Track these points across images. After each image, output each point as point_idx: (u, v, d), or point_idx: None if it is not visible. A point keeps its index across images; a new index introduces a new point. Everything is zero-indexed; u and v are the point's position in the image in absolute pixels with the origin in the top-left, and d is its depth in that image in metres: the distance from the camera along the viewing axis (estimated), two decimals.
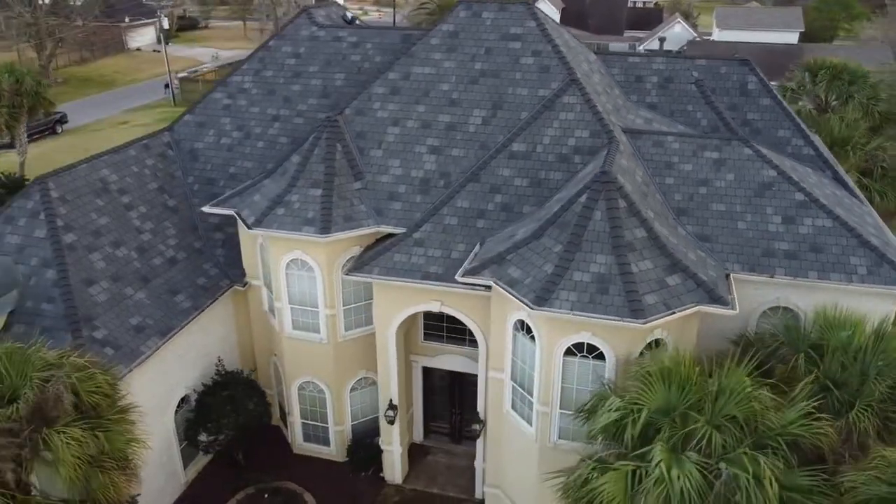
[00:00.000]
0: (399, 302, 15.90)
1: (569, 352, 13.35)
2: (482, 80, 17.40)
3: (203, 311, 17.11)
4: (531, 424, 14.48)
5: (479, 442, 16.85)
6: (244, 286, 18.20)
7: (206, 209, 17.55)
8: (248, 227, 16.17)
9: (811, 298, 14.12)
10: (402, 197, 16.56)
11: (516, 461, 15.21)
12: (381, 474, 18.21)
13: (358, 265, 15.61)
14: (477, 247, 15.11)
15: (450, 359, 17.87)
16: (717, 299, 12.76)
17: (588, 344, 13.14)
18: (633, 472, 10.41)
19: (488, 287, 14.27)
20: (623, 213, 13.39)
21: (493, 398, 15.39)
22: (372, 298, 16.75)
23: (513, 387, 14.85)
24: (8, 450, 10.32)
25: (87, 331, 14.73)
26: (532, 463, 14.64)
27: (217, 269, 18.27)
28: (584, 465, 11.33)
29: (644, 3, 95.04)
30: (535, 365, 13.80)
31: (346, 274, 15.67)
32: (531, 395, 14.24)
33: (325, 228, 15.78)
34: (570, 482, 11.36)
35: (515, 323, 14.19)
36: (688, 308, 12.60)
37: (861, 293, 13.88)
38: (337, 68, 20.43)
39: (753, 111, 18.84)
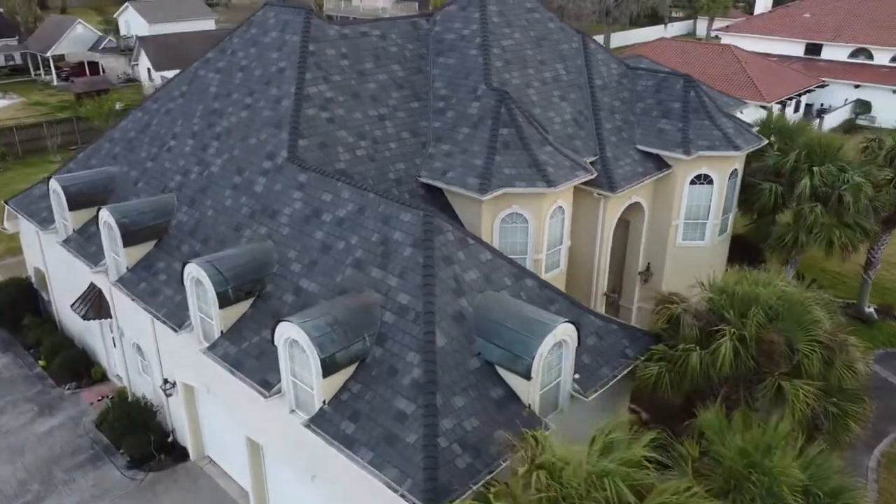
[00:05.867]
0: (620, 204, 21.41)
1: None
2: (543, 43, 22.75)
3: None
4: (703, 239, 23.26)
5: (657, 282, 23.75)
6: None
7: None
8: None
9: None
10: (573, 135, 21.31)
11: (692, 269, 23.45)
12: None
13: (613, 186, 20.43)
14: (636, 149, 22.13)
15: None
16: (738, 147, 23.83)
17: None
18: None
19: (670, 166, 21.99)
20: (693, 93, 22.97)
21: (671, 239, 23.06)
22: None
23: (685, 224, 23.03)
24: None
25: None
26: (706, 261, 23.46)
27: None
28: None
29: None
30: (712, 197, 22.60)
31: (616, 193, 20.26)
32: (705, 220, 22.97)
33: (591, 166, 19.82)
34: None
35: (692, 179, 22.38)
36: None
37: None
38: (388, 61, 20.96)
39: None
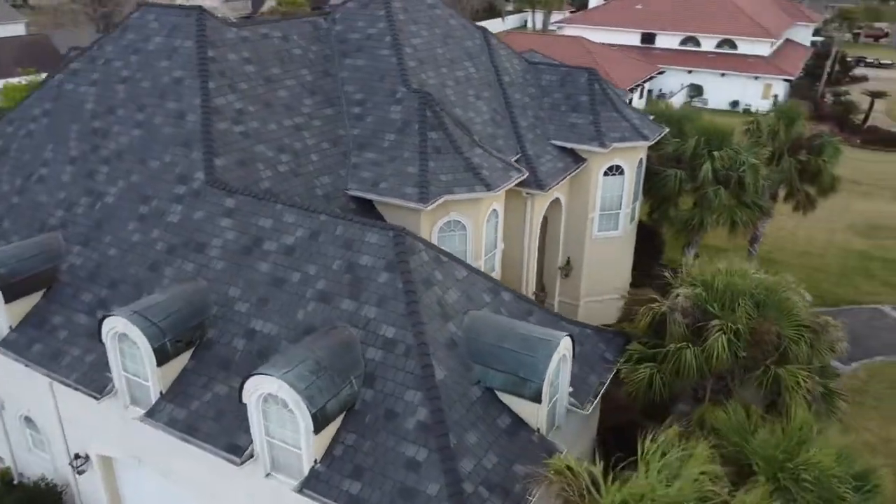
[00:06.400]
0: (545, 202, 21.05)
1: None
2: (449, 41, 21.78)
3: None
4: (617, 229, 23.58)
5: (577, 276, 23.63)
6: None
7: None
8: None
9: None
10: (495, 135, 20.61)
11: (608, 259, 23.75)
12: None
13: (541, 184, 19.98)
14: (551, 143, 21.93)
15: None
16: (647, 137, 24.52)
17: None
18: None
19: (585, 159, 22.03)
20: (597, 86, 23.25)
21: (588, 232, 23.11)
22: None
23: (600, 215, 23.18)
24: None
25: None
26: (621, 247, 23.87)
27: None
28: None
29: None
30: (624, 186, 22.93)
31: (545, 191, 19.80)
32: (618, 209, 23.27)
33: (520, 166, 19.13)
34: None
35: (605, 170, 22.53)
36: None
37: None
38: (294, 65, 19.07)
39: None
